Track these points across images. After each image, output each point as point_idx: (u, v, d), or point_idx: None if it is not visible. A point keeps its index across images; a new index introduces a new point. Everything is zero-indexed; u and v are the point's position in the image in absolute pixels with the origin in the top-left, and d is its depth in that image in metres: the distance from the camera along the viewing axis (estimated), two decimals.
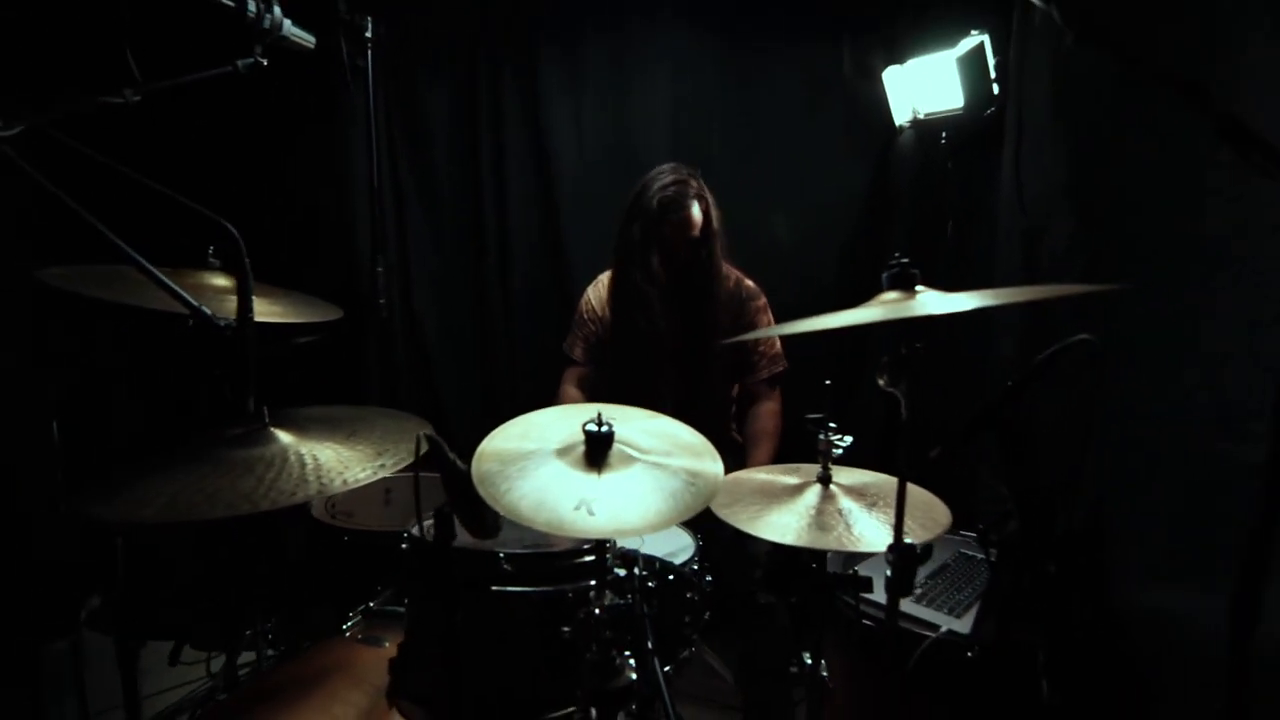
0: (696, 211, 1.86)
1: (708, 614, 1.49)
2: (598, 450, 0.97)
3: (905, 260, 0.91)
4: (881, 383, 0.98)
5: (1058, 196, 1.70)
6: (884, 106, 2.23)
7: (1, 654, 1.61)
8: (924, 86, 2.15)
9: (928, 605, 1.45)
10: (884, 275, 0.92)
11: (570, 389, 2.07)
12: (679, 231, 1.87)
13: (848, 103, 2.32)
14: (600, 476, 0.95)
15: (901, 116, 2.24)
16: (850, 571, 1.21)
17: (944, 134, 2.19)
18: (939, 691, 1.25)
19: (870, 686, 1.32)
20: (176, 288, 1.09)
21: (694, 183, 1.90)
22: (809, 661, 1.21)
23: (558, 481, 0.94)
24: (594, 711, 0.94)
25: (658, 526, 0.88)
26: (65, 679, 1.61)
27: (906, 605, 1.44)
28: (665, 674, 1.32)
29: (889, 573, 0.96)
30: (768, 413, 1.99)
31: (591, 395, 2.07)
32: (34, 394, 1.48)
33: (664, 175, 1.90)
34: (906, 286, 0.90)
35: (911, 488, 1.24)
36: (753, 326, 1.98)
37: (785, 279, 2.24)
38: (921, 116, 2.21)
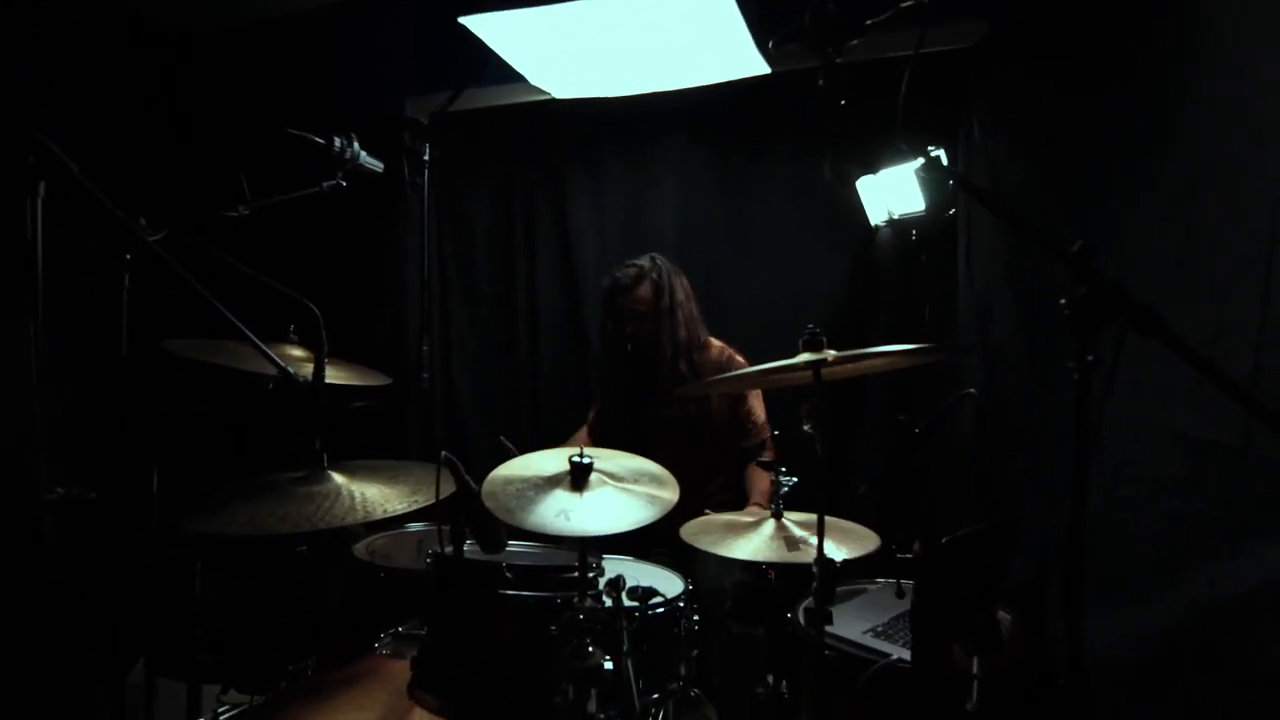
0: (642, 290, 2.21)
1: (695, 652, 1.68)
2: (580, 476, 1.24)
3: (815, 329, 1.19)
4: (806, 428, 1.24)
5: (1000, 282, 1.98)
6: (861, 209, 2.57)
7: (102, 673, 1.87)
8: (894, 192, 2.48)
9: (888, 641, 1.63)
10: (800, 341, 1.20)
11: (581, 434, 2.39)
12: (622, 307, 2.23)
13: (829, 206, 2.66)
14: (582, 496, 1.22)
15: (877, 217, 2.56)
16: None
17: (914, 232, 2.51)
18: (887, 707, 1.41)
19: (830, 704, 1.48)
20: (273, 355, 1.42)
21: (651, 268, 2.23)
22: (772, 682, 1.41)
23: (547, 496, 1.21)
24: (571, 690, 1.16)
25: (615, 529, 1.14)
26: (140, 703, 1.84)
27: (870, 640, 1.63)
28: (654, 700, 1.52)
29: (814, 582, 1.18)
30: (758, 471, 2.22)
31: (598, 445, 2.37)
32: (146, 443, 1.82)
33: (624, 264, 2.25)
34: (816, 348, 1.18)
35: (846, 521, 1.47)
36: (741, 399, 2.26)
37: (777, 358, 2.53)
38: (896, 217, 2.53)
